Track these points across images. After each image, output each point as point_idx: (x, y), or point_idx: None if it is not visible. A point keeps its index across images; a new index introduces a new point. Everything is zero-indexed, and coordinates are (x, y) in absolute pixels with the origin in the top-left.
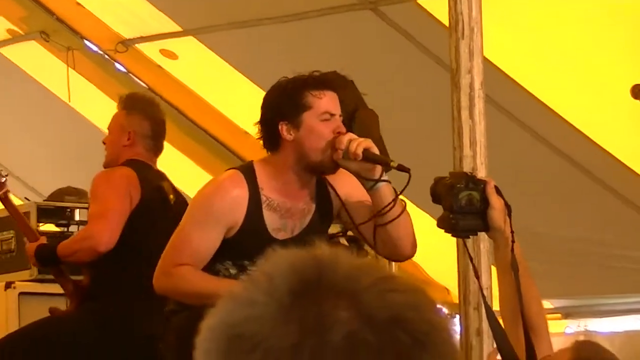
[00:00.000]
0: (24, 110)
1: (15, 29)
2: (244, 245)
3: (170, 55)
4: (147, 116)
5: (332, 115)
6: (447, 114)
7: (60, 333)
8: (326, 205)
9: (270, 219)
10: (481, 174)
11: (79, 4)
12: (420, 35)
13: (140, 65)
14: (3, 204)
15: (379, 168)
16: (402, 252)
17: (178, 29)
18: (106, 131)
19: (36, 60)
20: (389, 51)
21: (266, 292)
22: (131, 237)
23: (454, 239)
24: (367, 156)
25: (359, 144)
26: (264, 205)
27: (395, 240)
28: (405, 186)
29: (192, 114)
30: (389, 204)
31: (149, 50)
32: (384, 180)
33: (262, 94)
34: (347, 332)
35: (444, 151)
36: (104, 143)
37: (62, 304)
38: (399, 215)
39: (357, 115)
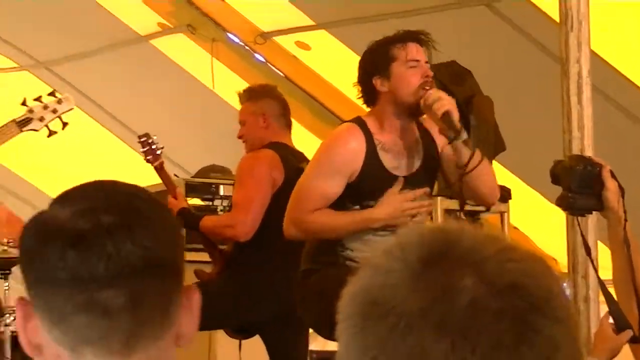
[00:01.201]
0: (173, 96)
1: (165, 22)
2: (366, 186)
3: (304, 46)
4: (273, 97)
5: (418, 61)
6: (555, 101)
7: (205, 295)
8: (432, 147)
9: (386, 159)
10: (587, 155)
11: (223, 0)
12: (530, 28)
13: (277, 55)
14: (158, 173)
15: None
16: (483, 198)
17: (311, 23)
18: None
19: (183, 50)
20: (502, 43)
21: (399, 262)
22: (274, 215)
23: (562, 214)
24: (444, 119)
25: (442, 106)
26: (378, 148)
27: (475, 189)
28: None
29: (324, 100)
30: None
31: (285, 42)
32: (460, 139)
33: None
34: (471, 298)
35: (551, 134)
36: (240, 138)
37: (208, 269)
38: (473, 168)
39: (474, 102)
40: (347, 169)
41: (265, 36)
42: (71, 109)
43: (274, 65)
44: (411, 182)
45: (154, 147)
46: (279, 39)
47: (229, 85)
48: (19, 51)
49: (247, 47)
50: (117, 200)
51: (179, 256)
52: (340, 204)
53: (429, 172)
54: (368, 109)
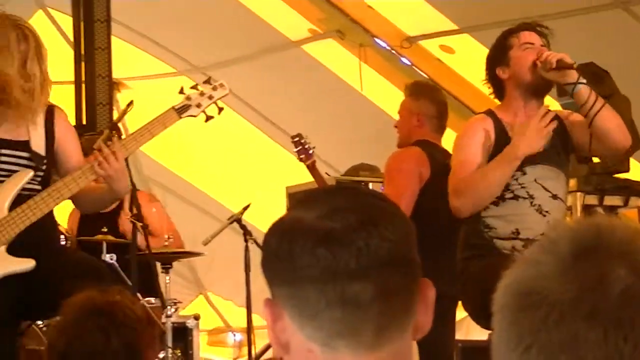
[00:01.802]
0: (323, 99)
1: (315, 28)
2: None
3: (448, 50)
4: (432, 99)
5: (532, 44)
6: None
7: None
8: (559, 123)
9: None
10: None
11: (369, 6)
12: None
13: (422, 59)
14: (310, 171)
15: (573, 73)
16: (616, 142)
17: (455, 27)
18: (394, 116)
19: (333, 55)
20: (638, 44)
21: (551, 254)
22: (421, 208)
23: None
24: (559, 65)
25: (554, 55)
26: (507, 129)
27: (605, 132)
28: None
29: (468, 102)
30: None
31: (430, 46)
32: (581, 83)
33: None
34: (622, 288)
35: None
36: (395, 127)
37: None
38: (600, 108)
39: (611, 101)
40: (485, 144)
41: (411, 40)
42: (226, 94)
43: (419, 68)
44: (544, 158)
45: (306, 146)
46: (424, 43)
47: (376, 88)
48: (176, 57)
49: (393, 51)
50: (357, 200)
51: (414, 250)
52: None
53: (560, 147)
54: None
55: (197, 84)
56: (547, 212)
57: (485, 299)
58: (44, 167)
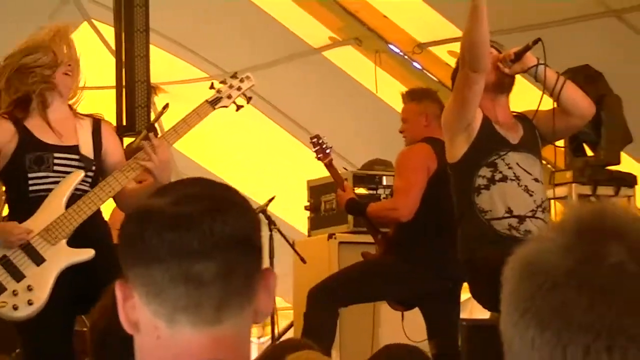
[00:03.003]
0: (342, 100)
1: (335, 36)
2: (485, 147)
3: (455, 55)
4: (433, 100)
5: (490, 53)
6: None
7: (372, 271)
8: (527, 121)
9: (499, 129)
10: None
11: (385, 16)
12: None
13: (432, 63)
14: (327, 169)
15: (530, 57)
16: (583, 109)
17: (461, 34)
18: None
19: (350, 61)
20: (629, 49)
21: (557, 231)
22: (429, 198)
23: None
24: (517, 53)
25: (509, 50)
26: (493, 122)
27: (572, 102)
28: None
29: None
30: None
31: (439, 51)
32: (541, 64)
33: None
34: (615, 262)
35: None
36: (401, 132)
37: (372, 251)
38: (564, 83)
39: (604, 100)
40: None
41: (422, 46)
42: (252, 85)
43: (429, 72)
44: (520, 146)
45: (323, 146)
46: (434, 49)
47: (390, 90)
48: (208, 63)
49: (406, 57)
50: (208, 189)
51: (259, 238)
52: (471, 172)
53: (531, 138)
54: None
55: (225, 79)
56: (532, 192)
57: (493, 286)
58: (93, 169)
